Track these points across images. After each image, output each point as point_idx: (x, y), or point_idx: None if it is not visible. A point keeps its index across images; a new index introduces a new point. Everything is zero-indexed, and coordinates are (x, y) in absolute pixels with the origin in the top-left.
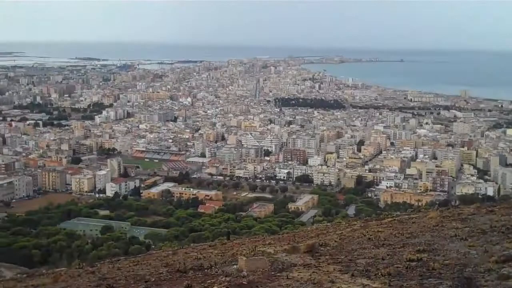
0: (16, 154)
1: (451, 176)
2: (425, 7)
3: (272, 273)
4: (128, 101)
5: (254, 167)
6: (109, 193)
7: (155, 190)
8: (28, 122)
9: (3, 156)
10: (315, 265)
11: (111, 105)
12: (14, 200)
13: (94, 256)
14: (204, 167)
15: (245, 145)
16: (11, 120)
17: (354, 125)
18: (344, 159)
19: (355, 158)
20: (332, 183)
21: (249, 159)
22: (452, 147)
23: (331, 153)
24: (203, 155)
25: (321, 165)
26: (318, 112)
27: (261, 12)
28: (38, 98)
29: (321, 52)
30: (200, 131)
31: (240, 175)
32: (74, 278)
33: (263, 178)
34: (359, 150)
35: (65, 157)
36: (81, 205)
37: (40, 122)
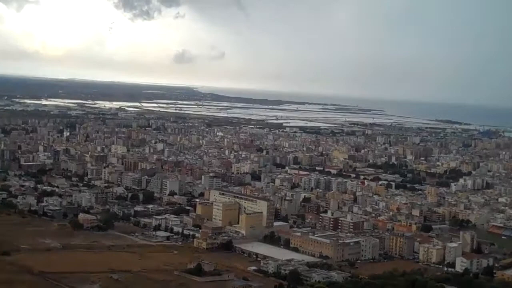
0: (365, 214)
1: None
2: None
3: None
4: (489, 171)
5: None
6: (458, 268)
7: (510, 272)
8: (380, 182)
9: (352, 214)
10: None
11: (469, 173)
12: (359, 261)
13: None
14: None
15: None
16: (364, 179)
17: None
18: None
19: None
20: None
21: None
22: None
23: None
24: None
25: None
26: None
27: None
28: (393, 159)
29: None
30: None
31: None
32: None
33: None
34: None
35: (415, 223)
36: (427, 276)
37: (393, 184)
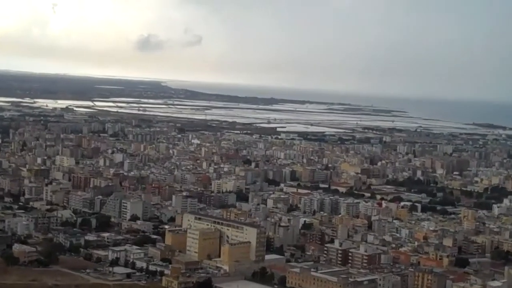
0: (383, 244)
1: None
2: None
3: None
4: None
5: None
6: None
7: None
8: (402, 204)
9: (366, 244)
10: None
11: None
12: None
13: None
14: None
15: None
16: (381, 199)
17: None
18: None
19: None
20: None
21: None
22: None
23: None
24: None
25: None
26: None
27: None
28: (418, 173)
29: None
30: None
31: None
32: None
33: None
34: None
35: (447, 256)
36: None
37: (419, 206)
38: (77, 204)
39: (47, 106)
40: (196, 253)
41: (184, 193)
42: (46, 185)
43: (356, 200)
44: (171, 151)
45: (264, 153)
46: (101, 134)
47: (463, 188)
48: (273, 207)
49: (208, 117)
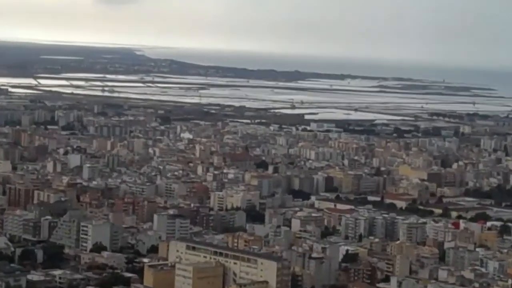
0: (461, 283)
1: None
2: None
3: None
4: None
5: None
6: None
7: None
8: (489, 224)
9: (436, 284)
10: None
11: None
12: None
13: None
14: None
15: None
16: (458, 217)
17: None
18: None
19: None
20: None
21: None
22: None
23: None
24: None
25: None
26: None
27: None
28: None
29: None
30: None
31: None
32: None
33: None
34: None
35: None
36: None
37: None
38: (15, 229)
39: None
40: None
41: (171, 211)
42: None
43: (421, 220)
44: (151, 150)
45: (287, 152)
46: (49, 127)
47: None
48: (300, 231)
49: (204, 100)
